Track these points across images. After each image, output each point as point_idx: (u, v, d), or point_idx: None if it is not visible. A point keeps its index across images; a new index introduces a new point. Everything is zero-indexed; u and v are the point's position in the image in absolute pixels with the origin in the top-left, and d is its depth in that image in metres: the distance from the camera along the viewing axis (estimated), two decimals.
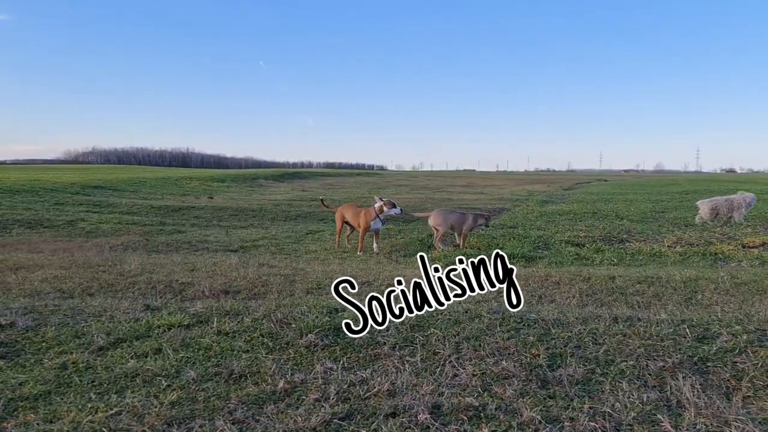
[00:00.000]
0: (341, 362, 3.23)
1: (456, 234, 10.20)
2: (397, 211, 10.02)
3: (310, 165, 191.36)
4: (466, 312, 4.21)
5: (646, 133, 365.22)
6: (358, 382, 2.95)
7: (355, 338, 3.60)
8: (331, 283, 6.18)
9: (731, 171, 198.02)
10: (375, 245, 9.94)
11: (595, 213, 16.11)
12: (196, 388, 2.89)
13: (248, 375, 3.06)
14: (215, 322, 3.95)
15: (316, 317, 4.02)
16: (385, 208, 9.88)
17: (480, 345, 3.49)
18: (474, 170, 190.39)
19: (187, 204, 19.18)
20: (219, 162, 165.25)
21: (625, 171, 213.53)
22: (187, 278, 6.44)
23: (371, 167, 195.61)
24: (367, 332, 3.70)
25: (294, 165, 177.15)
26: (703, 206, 13.05)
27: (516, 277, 6.22)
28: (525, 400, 2.72)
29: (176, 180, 32.20)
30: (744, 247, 9.16)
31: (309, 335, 3.65)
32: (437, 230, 10.13)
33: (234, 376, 3.05)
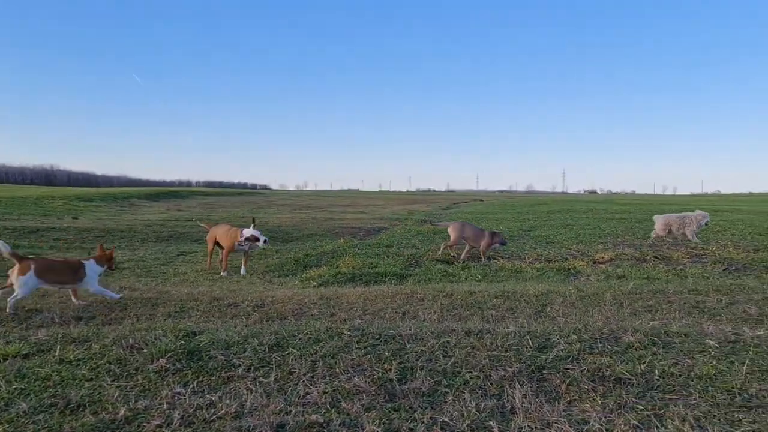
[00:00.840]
0: (191, 386, 3.16)
1: (469, 246, 11.16)
2: (259, 245, 9.59)
3: (188, 184, 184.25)
4: (327, 330, 4.27)
5: (519, 155, 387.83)
6: (206, 405, 2.90)
7: (209, 361, 3.54)
8: (197, 305, 6.08)
9: (593, 192, 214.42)
10: (243, 268, 9.67)
11: None
12: (26, 421, 2.71)
13: (87, 404, 2.91)
14: (58, 350, 3.72)
15: (171, 341, 3.90)
16: (243, 239, 9.51)
17: (336, 362, 3.55)
18: (358, 190, 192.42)
19: (48, 225, 17.83)
20: (88, 180, 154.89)
21: (500, 191, 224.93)
22: (35, 305, 6.00)
23: (254, 187, 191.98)
24: (223, 354, 3.65)
25: (171, 184, 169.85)
26: (658, 221, 13.34)
27: (384, 295, 6.39)
28: (371, 414, 2.80)
29: (36, 199, 29.78)
30: (594, 262, 9.95)
31: (160, 360, 3.54)
32: (450, 237, 11.46)
33: (71, 406, 2.88)
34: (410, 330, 4.27)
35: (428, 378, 3.28)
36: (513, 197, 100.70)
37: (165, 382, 3.23)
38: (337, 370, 3.42)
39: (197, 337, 4.07)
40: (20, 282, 5.73)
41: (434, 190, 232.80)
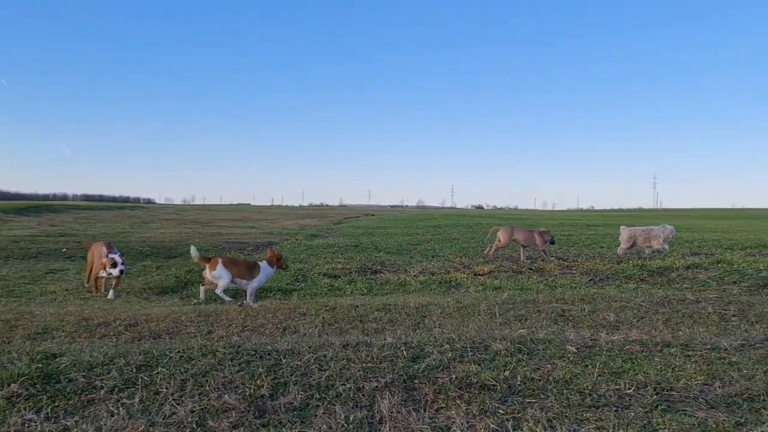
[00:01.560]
0: (45, 412, 2.95)
1: (522, 247, 12.47)
2: (115, 271, 8.52)
3: (64, 197, 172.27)
4: (201, 348, 4.15)
5: (410, 171, 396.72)
6: (60, 431, 2.73)
7: (69, 385, 3.33)
8: (62, 326, 5.70)
9: (480, 207, 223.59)
10: (111, 292, 8.59)
11: (357, 246, 16.96)
12: None
13: None
14: None
15: (25, 365, 3.63)
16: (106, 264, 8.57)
17: (207, 381, 3.45)
18: (249, 204, 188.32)
19: None
20: None
21: (391, 206, 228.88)
22: None
23: (137, 200, 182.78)
24: (85, 376, 3.46)
25: (44, 197, 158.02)
26: (623, 233, 13.29)
27: (266, 310, 6.31)
28: (239, 430, 2.76)
29: None
30: (475, 274, 10.37)
31: (12, 385, 3.28)
32: (499, 241, 12.77)
33: None
34: (287, 345, 4.25)
35: (301, 392, 3.28)
36: (404, 212, 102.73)
37: (15, 409, 3.00)
38: (208, 388, 3.34)
39: (57, 360, 3.81)
40: (215, 276, 7.03)
41: (327, 205, 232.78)
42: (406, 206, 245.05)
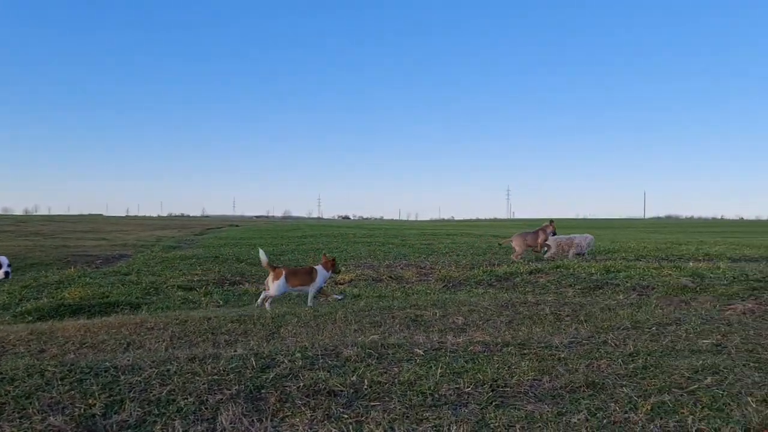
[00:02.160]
0: None
1: (533, 249, 14.01)
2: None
3: None
4: (27, 368, 3.81)
5: (276, 181, 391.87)
6: None
7: None
8: None
9: (346, 218, 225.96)
10: None
11: (217, 257, 16.45)
12: None
13: None
14: None
15: None
16: None
17: (31, 403, 3.17)
18: (101, 214, 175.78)
19: None
20: None
21: (257, 217, 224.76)
22: None
23: None
24: None
25: None
26: (551, 242, 14.04)
27: (110, 326, 5.93)
28: None
29: None
30: (337, 283, 10.43)
31: None
32: (516, 249, 14.03)
33: None
34: (128, 361, 4.01)
35: (138, 409, 3.11)
36: (270, 222, 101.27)
37: None
38: (31, 410, 3.06)
39: None
40: (274, 286, 7.41)
41: (188, 216, 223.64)
42: (273, 216, 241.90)
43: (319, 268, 7.86)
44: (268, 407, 3.21)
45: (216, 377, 3.68)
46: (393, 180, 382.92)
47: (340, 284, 10.34)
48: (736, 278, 8.43)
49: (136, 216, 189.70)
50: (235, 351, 4.41)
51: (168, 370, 3.79)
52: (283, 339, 5.30)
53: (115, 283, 10.23)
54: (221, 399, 3.31)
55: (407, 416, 3.07)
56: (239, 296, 9.14)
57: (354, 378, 3.68)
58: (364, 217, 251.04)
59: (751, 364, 4.17)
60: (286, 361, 4.07)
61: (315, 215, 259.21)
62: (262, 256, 7.66)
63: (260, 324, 6.10)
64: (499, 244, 17.86)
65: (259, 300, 7.66)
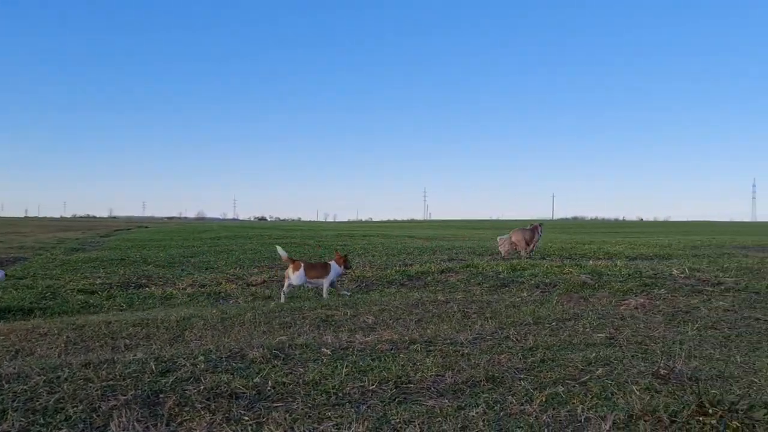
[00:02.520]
0: None
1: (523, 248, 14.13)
2: None
3: None
4: None
5: (189, 181, 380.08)
6: None
7: None
8: None
9: (263, 219, 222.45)
10: None
11: (123, 259, 15.74)
12: None
13: None
14: None
15: None
16: None
17: None
18: None
19: None
20: None
21: (169, 218, 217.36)
22: None
23: None
24: None
25: None
26: (502, 240, 14.65)
27: None
28: None
29: None
30: (248, 285, 10.23)
31: None
32: (516, 244, 14.33)
33: None
34: (13, 369, 3.77)
35: (22, 419, 2.93)
36: (182, 224, 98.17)
37: None
38: None
39: None
40: (295, 276, 8.08)
41: (94, 217, 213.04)
42: (186, 217, 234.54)
43: (332, 263, 8.50)
44: (166, 412, 3.10)
45: (111, 383, 3.52)
46: (311, 181, 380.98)
47: (251, 285, 10.16)
48: (631, 275, 8.95)
49: (36, 217, 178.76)
50: (135, 355, 4.24)
51: (58, 377, 3.59)
52: (188, 342, 5.14)
53: (8, 288, 9.56)
54: (115, 405, 3.17)
55: (309, 416, 3.06)
56: (144, 299, 8.78)
57: (258, 379, 3.62)
58: (282, 218, 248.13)
59: (639, 355, 4.45)
60: (187, 364, 3.95)
61: (231, 216, 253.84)
62: (281, 251, 8.53)
63: (164, 327, 5.89)
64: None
65: (284, 289, 8.32)
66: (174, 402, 3.22)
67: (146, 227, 60.79)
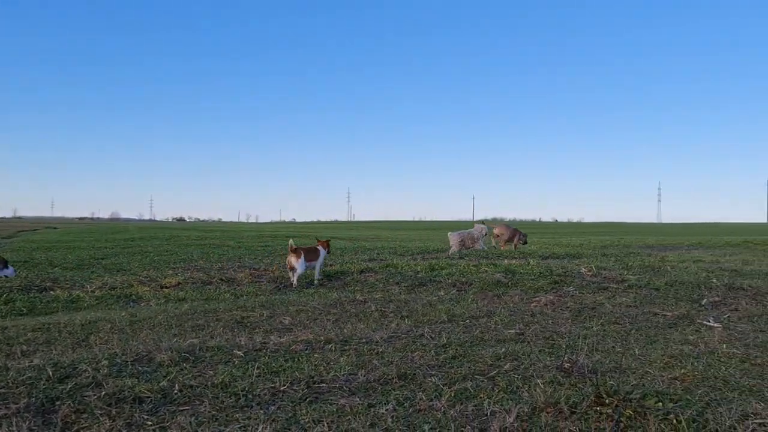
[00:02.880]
0: None
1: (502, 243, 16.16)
2: None
3: None
4: None
5: (103, 180, 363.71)
6: None
7: None
8: None
9: (181, 220, 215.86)
10: None
11: (27, 262, 14.84)
12: None
13: None
14: None
15: None
16: None
17: None
18: None
19: None
20: None
21: (80, 218, 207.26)
22: None
23: None
24: None
25: None
26: (453, 238, 15.27)
27: None
28: None
29: None
30: (161, 287, 9.87)
31: None
32: (498, 237, 16.43)
33: None
34: None
35: None
36: (95, 224, 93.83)
37: None
38: None
39: None
40: (299, 264, 9.33)
41: None
42: (99, 218, 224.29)
43: (320, 248, 9.94)
44: (62, 419, 2.95)
45: (2, 391, 3.31)
46: (232, 181, 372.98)
47: (165, 288, 9.81)
48: (542, 273, 9.29)
49: None
50: (31, 362, 4.01)
51: None
52: (92, 347, 4.90)
53: None
54: (6, 414, 2.98)
55: (216, 418, 2.99)
56: (47, 303, 8.28)
57: (164, 383, 3.51)
58: (201, 219, 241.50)
59: (546, 350, 4.62)
60: (89, 369, 3.78)
61: (147, 217, 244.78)
62: (292, 243, 9.88)
63: (67, 332, 5.59)
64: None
65: (293, 279, 9.42)
66: (70, 409, 3.07)
67: (55, 228, 57.67)
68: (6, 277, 9.99)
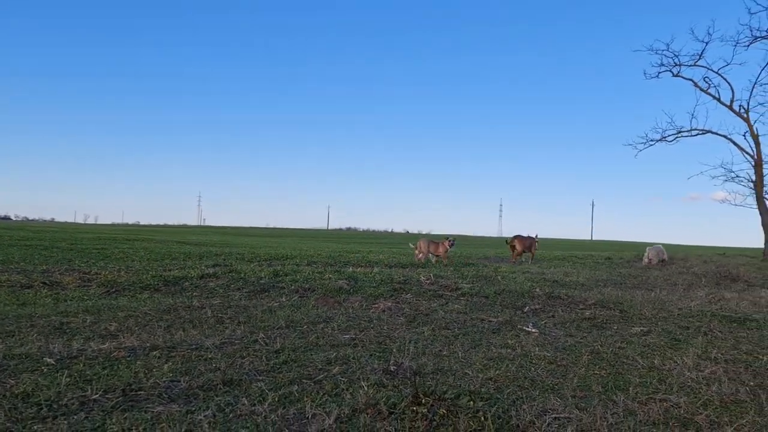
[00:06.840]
0: None
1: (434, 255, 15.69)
2: None
3: None
4: None
5: None
6: None
7: None
8: None
9: (6, 218, 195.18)
10: None
11: None
12: None
13: None
14: None
15: None
16: None
17: None
18: None
19: None
20: None
21: None
22: None
23: None
24: None
25: None
26: (421, 245, 15.77)
27: None
28: None
29: None
30: None
31: None
32: (517, 248, 17.72)
33: None
34: None
35: None
36: None
37: None
38: None
39: None
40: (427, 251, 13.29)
41: None
42: None
43: (447, 243, 13.74)
44: None
45: None
46: (67, 180, 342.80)
47: None
48: (384, 281, 9.57)
49: None
50: None
51: None
52: None
53: None
54: None
55: (11, 430, 2.72)
56: None
57: None
58: (31, 218, 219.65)
59: (377, 354, 4.76)
60: None
61: None
62: (412, 244, 12.80)
63: None
64: (506, 242, 19.26)
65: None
66: None
67: None
68: None
